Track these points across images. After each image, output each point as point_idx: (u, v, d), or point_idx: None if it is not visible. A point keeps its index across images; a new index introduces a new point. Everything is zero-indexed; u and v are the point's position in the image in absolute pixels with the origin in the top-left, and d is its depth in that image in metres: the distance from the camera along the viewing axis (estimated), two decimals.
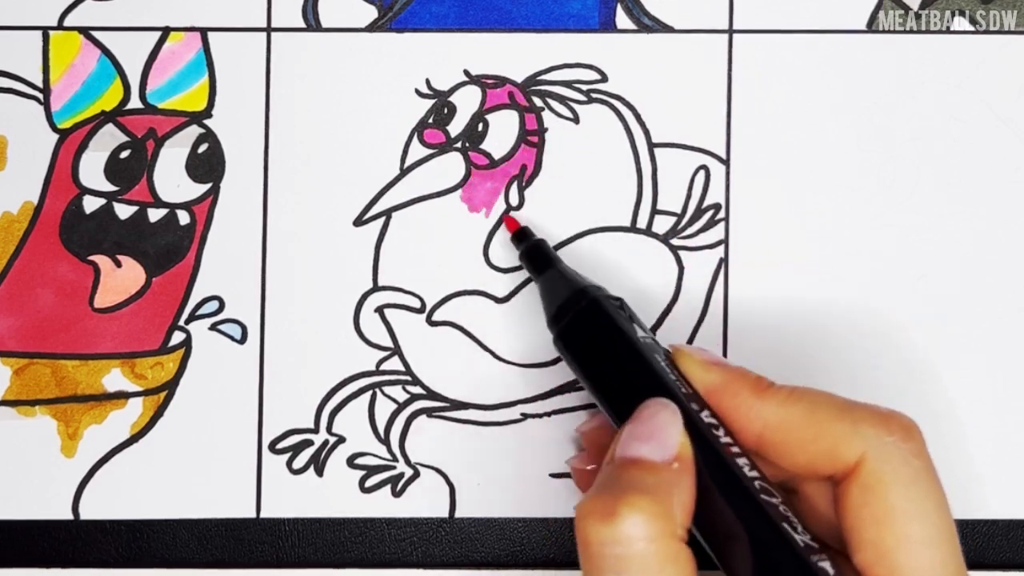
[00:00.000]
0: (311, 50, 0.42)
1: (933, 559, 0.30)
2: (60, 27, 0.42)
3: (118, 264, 0.41)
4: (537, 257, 0.39)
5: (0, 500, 0.41)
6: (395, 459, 0.41)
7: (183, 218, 0.41)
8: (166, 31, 0.42)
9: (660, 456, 0.31)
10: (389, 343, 0.42)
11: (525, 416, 0.41)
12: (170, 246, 0.41)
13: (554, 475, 0.41)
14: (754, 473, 0.32)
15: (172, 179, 0.42)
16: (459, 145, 0.42)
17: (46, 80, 0.42)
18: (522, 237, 0.40)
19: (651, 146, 0.42)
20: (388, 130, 0.42)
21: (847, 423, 0.31)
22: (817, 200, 0.42)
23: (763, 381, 0.33)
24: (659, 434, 0.31)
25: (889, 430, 0.31)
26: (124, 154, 0.41)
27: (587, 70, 0.42)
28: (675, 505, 0.30)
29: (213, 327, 0.41)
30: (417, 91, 0.42)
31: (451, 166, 0.42)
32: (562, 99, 0.42)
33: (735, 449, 0.32)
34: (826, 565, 0.30)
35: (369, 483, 0.41)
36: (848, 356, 0.41)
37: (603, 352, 0.35)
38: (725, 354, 0.41)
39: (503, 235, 0.41)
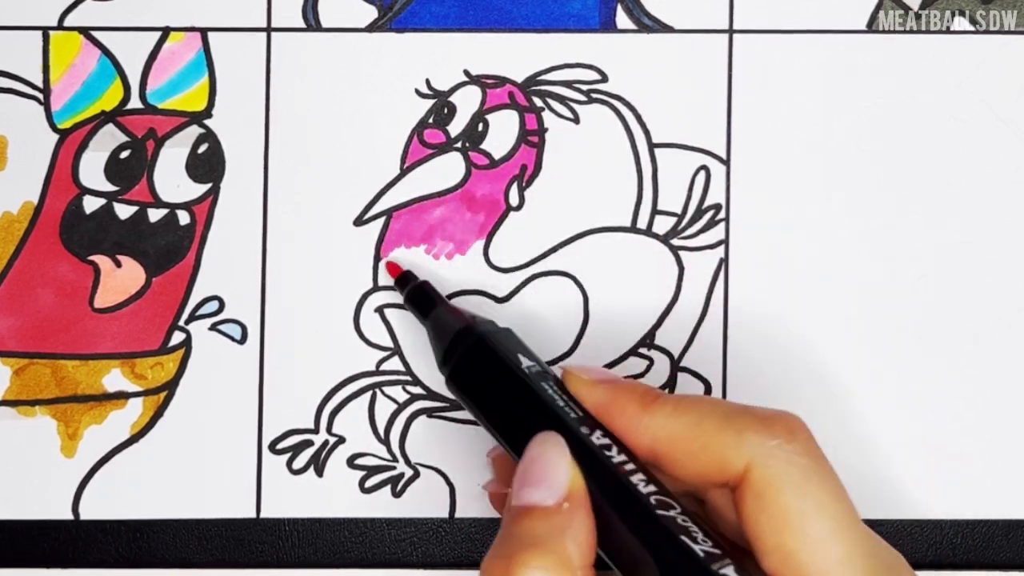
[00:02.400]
0: (311, 50, 0.42)
1: (838, 553, 0.30)
2: (60, 27, 0.42)
3: (118, 264, 0.41)
4: (421, 300, 0.39)
5: (0, 500, 0.41)
6: (395, 459, 0.41)
7: (183, 218, 0.41)
8: (166, 31, 0.42)
9: (551, 499, 0.31)
10: (389, 343, 0.42)
11: None
12: (170, 246, 0.41)
13: None
14: (650, 488, 0.31)
15: (172, 179, 0.41)
16: (459, 145, 0.42)
17: (46, 80, 0.42)
18: (405, 281, 0.40)
19: (651, 146, 0.42)
20: (388, 130, 0.42)
21: (731, 432, 0.31)
22: (817, 200, 0.42)
23: (651, 393, 0.33)
24: (547, 475, 0.31)
25: (773, 433, 0.31)
26: (124, 154, 0.41)
27: (587, 70, 0.42)
28: (570, 548, 0.30)
29: (213, 327, 0.41)
30: (417, 91, 0.42)
31: (451, 166, 0.42)
32: (562, 99, 0.42)
33: (629, 467, 0.32)
34: (728, 571, 0.29)
35: (369, 483, 0.41)
36: (848, 356, 0.41)
37: (492, 389, 0.35)
38: (725, 355, 0.41)
39: (503, 235, 0.41)
